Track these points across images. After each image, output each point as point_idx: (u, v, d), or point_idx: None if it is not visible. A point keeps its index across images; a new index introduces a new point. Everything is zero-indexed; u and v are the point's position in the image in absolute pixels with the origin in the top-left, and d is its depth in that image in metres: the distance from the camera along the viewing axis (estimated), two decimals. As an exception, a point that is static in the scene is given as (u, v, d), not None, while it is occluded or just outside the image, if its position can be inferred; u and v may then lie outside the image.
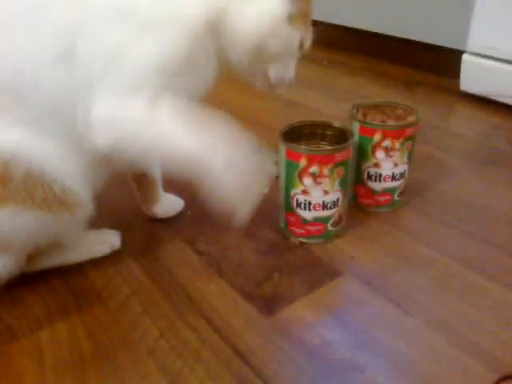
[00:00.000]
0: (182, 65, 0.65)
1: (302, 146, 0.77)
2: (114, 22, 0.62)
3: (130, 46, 0.62)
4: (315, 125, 0.85)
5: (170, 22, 0.64)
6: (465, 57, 1.42)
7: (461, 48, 1.45)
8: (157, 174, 0.87)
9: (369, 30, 1.86)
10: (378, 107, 0.91)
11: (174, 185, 0.90)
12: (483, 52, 1.37)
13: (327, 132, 0.84)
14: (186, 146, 0.64)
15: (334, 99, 1.49)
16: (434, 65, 1.69)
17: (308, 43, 0.74)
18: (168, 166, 0.66)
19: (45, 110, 0.63)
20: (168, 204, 0.90)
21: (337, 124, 0.84)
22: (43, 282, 0.74)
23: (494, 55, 1.34)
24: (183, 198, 0.92)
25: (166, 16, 0.64)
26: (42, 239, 0.68)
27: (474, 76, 1.42)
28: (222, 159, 0.64)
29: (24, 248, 0.69)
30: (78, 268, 0.76)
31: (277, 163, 1.05)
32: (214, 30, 0.66)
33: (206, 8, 0.64)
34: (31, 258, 0.71)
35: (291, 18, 0.67)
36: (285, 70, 0.73)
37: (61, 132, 0.65)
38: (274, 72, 0.72)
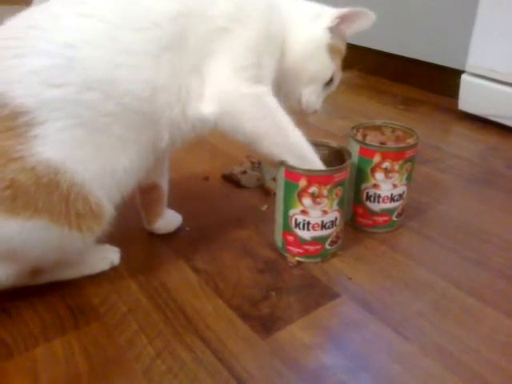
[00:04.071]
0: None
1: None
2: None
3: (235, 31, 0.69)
4: (313, 144, 0.85)
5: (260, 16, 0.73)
6: (464, 77, 1.43)
7: (460, 68, 1.46)
8: (164, 187, 0.87)
9: (369, 47, 1.87)
10: (378, 128, 0.92)
11: (172, 200, 0.90)
12: (482, 73, 1.38)
13: (325, 152, 0.84)
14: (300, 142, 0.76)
15: (333, 116, 1.49)
16: (433, 84, 1.71)
17: (336, 82, 0.86)
18: (269, 149, 0.75)
19: (128, 107, 0.63)
20: (169, 219, 0.90)
21: (334, 144, 0.85)
22: (40, 297, 0.73)
23: (493, 76, 1.35)
24: (181, 214, 0.92)
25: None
26: (57, 256, 0.68)
27: (473, 96, 1.43)
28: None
29: (35, 263, 0.68)
30: (76, 284, 0.76)
31: (275, 179, 1.05)
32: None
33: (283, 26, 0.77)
34: (35, 272, 0.70)
35: (329, 49, 0.79)
36: (316, 99, 0.84)
37: (132, 133, 0.66)
38: (306, 96, 0.82)
